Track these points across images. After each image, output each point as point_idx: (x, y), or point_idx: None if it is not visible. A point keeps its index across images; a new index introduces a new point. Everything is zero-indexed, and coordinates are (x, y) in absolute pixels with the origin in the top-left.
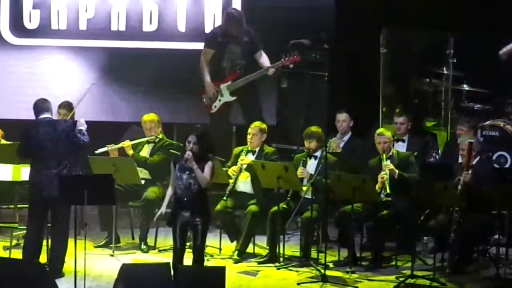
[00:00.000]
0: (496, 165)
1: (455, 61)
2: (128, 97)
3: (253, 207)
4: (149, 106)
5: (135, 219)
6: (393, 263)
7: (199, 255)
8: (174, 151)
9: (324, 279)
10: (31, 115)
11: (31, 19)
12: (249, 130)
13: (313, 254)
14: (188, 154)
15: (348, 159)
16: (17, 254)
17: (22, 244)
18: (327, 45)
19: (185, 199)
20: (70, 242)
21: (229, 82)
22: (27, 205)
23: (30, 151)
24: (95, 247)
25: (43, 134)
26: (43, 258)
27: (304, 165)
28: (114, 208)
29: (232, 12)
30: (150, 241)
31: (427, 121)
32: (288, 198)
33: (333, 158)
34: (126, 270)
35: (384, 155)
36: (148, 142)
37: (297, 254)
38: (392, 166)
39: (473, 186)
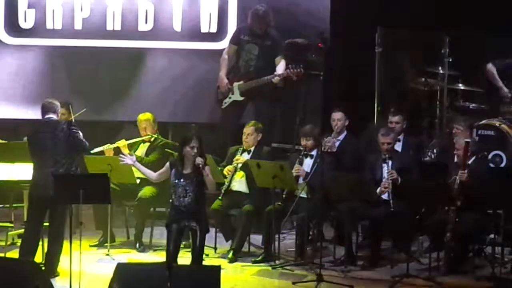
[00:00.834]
0: (491, 164)
1: (450, 60)
2: (123, 97)
3: (248, 207)
4: (144, 105)
5: (130, 218)
6: (389, 262)
7: (197, 258)
8: (170, 150)
9: (319, 278)
10: (25, 115)
11: (26, 19)
12: (244, 130)
13: (309, 253)
14: (201, 160)
15: (344, 158)
16: (13, 254)
17: (17, 244)
18: (322, 44)
19: (183, 206)
20: (65, 241)
21: (241, 82)
22: (22, 205)
23: (34, 151)
24: (90, 246)
25: (46, 134)
26: (38, 257)
27: (301, 164)
28: (109, 207)
29: (258, 9)
30: (146, 240)
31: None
32: (284, 197)
33: (329, 157)
34: (122, 270)
35: (386, 156)
36: (143, 141)
37: (293, 253)
38: (395, 175)
39: (469, 186)
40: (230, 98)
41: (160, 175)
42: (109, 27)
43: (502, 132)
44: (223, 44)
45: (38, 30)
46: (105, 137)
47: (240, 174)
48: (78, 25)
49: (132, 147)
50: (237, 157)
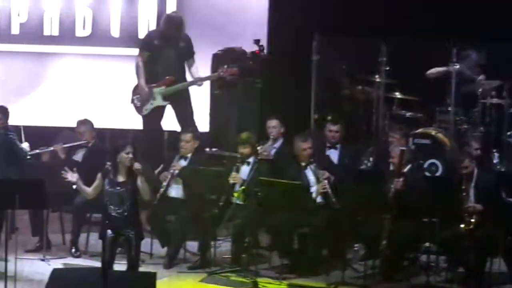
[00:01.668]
0: (427, 173)
1: (388, 68)
2: (61, 102)
3: (184, 213)
4: (82, 111)
5: (66, 224)
6: (324, 270)
7: (133, 266)
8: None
9: (254, 285)
10: None
11: None
12: (181, 137)
13: (244, 260)
14: (139, 166)
15: (279, 166)
16: None
17: None
18: (259, 51)
19: (118, 214)
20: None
21: (163, 87)
22: None
23: None
24: (26, 251)
25: None
26: None
27: (237, 171)
28: (45, 212)
29: (173, 15)
30: (81, 245)
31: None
32: (220, 204)
33: (266, 164)
34: (57, 275)
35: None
36: (81, 146)
37: (228, 260)
38: (327, 174)
39: (404, 194)
40: (152, 104)
41: (95, 189)
42: (47, 32)
43: (438, 141)
44: None
45: None
46: (43, 142)
47: (177, 181)
48: (15, 30)
49: (69, 152)
50: (173, 163)
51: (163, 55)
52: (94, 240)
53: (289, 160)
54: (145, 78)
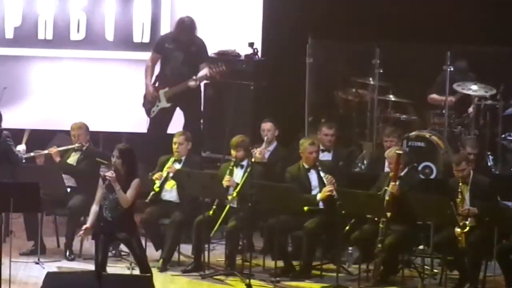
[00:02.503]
0: (421, 176)
1: (381, 71)
2: (55, 105)
3: (178, 216)
4: (76, 114)
5: (60, 227)
6: (318, 272)
7: (142, 266)
8: (100, 160)
9: None
10: None
11: None
12: (175, 139)
13: (238, 263)
14: (112, 173)
15: (274, 169)
16: None
17: None
18: (253, 54)
19: (112, 217)
20: None
21: (166, 89)
22: None
23: None
24: (21, 254)
25: None
26: None
27: (231, 174)
28: (40, 215)
29: (184, 19)
30: (76, 249)
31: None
32: (214, 207)
33: (259, 167)
34: (51, 278)
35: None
36: (75, 150)
37: (222, 263)
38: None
39: (400, 197)
40: (157, 106)
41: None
42: (41, 36)
43: (433, 144)
44: None
45: None
46: (36, 145)
47: (171, 184)
48: (9, 34)
49: (64, 155)
50: (168, 165)
51: (172, 58)
52: (88, 244)
53: (284, 163)
54: (151, 79)
